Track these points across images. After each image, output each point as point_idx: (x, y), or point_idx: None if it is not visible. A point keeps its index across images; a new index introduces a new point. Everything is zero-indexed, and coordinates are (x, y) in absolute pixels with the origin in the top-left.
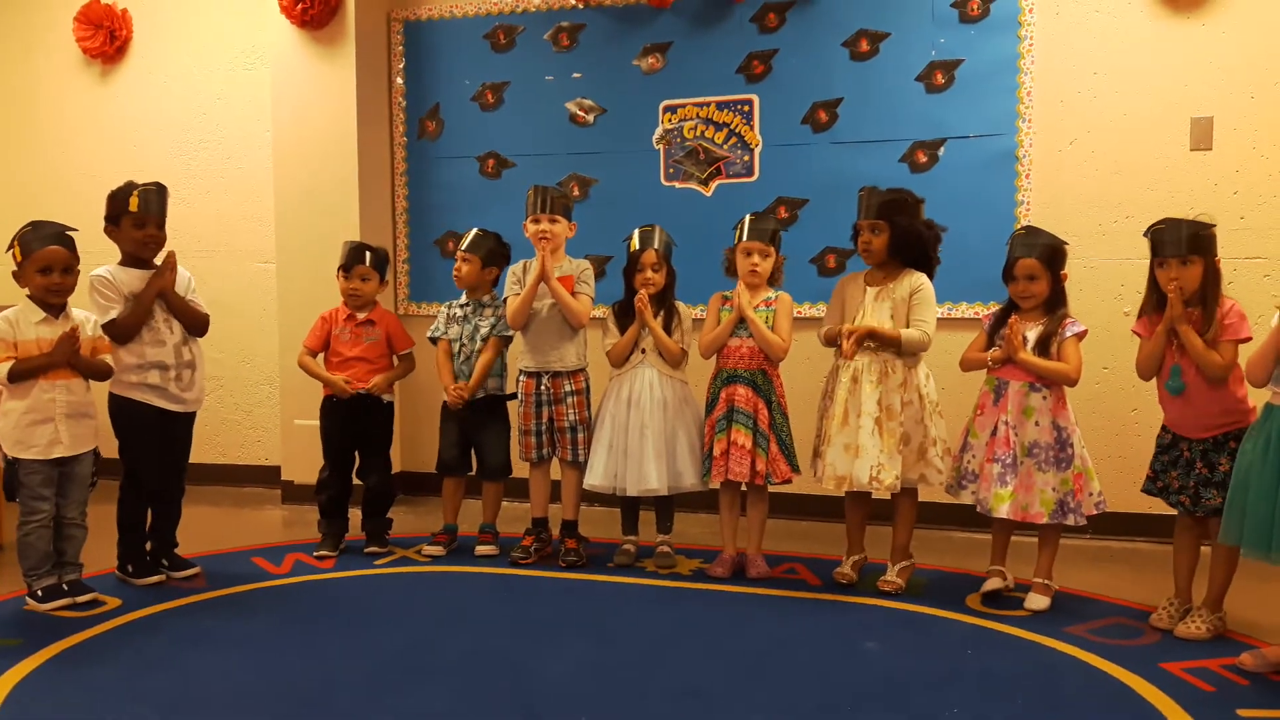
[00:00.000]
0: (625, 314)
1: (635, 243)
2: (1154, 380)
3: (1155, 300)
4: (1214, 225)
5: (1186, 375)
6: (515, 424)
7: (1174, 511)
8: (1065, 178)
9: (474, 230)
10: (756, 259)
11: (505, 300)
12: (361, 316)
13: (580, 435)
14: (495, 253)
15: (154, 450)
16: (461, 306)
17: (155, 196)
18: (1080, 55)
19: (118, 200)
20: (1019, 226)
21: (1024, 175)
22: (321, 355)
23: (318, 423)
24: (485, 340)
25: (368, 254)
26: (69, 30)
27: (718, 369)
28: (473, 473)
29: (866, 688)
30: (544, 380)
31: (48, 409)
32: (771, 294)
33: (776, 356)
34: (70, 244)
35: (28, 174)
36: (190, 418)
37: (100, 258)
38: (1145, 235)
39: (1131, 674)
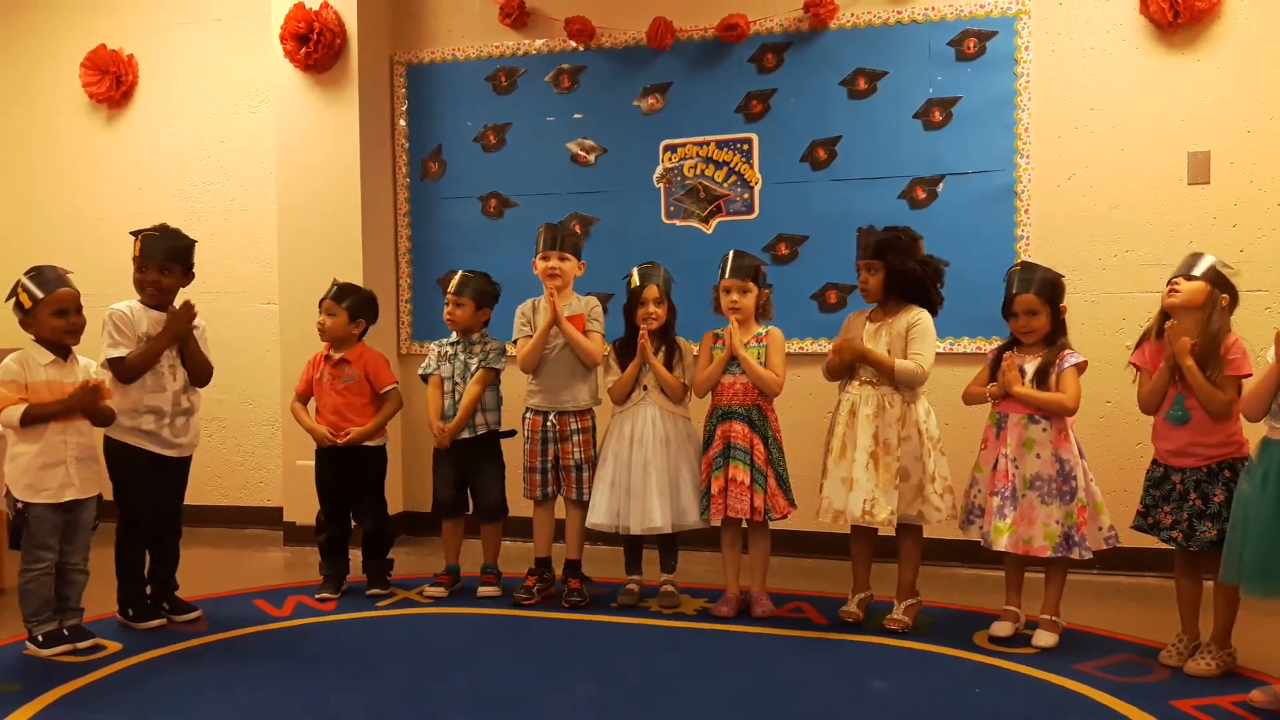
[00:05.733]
0: (626, 351)
1: (636, 279)
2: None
3: (1157, 329)
4: (1234, 270)
5: (1189, 405)
6: (519, 461)
7: None
8: (1064, 212)
9: (459, 273)
10: (735, 296)
11: (515, 340)
12: (337, 356)
13: (585, 474)
14: (486, 294)
15: (148, 493)
16: (452, 344)
17: (158, 241)
18: (1076, 91)
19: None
20: (1016, 262)
21: (1023, 210)
22: (312, 400)
23: None
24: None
25: (334, 287)
26: (75, 75)
27: (713, 406)
28: (470, 513)
29: None
30: (550, 417)
31: (60, 451)
32: (762, 329)
33: (772, 392)
34: (71, 284)
35: (34, 218)
36: (185, 461)
37: (103, 300)
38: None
39: (1142, 712)
